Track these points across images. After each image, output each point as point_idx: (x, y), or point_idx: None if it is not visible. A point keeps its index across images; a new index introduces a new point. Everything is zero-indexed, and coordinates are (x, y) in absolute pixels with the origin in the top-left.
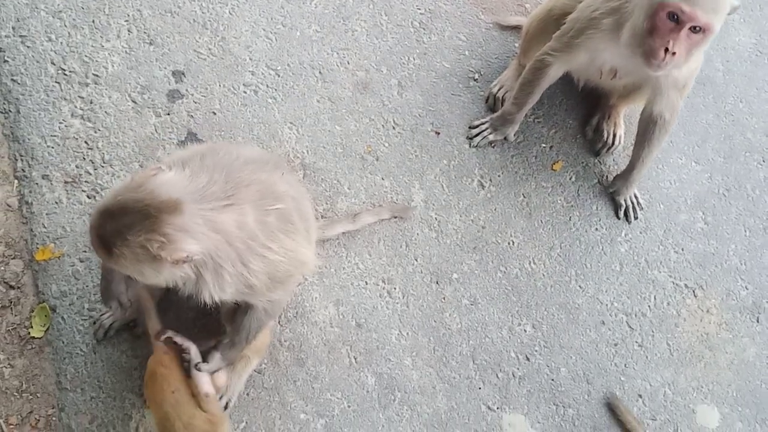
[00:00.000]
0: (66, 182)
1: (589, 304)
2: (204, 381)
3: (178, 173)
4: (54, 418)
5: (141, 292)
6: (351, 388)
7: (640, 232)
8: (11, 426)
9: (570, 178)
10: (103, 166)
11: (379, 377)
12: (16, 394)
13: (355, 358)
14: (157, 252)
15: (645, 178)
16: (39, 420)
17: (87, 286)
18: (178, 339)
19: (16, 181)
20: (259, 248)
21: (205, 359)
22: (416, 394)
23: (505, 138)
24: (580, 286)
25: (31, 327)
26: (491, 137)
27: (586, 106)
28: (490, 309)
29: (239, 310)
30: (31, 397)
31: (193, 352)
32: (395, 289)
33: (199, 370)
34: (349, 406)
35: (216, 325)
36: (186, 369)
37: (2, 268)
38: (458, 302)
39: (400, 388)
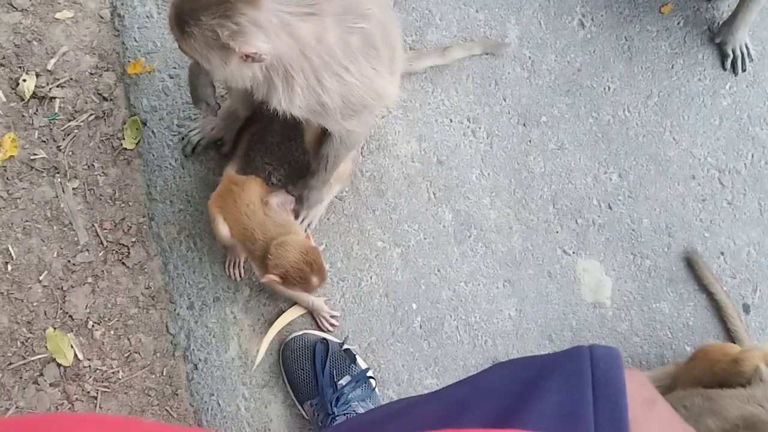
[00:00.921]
0: None
1: (681, 158)
2: (281, 193)
3: None
4: (144, 226)
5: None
6: (428, 222)
7: (746, 86)
8: (105, 230)
9: (678, 23)
10: None
11: (456, 213)
12: (109, 201)
13: (434, 194)
14: (227, 40)
15: (760, 28)
16: (131, 227)
17: (176, 103)
18: None
19: None
20: (336, 66)
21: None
22: (492, 233)
23: None
24: (674, 138)
25: (124, 139)
26: None
27: None
28: (577, 155)
29: (320, 142)
30: (123, 205)
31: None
32: (480, 128)
33: (287, 191)
34: (424, 238)
35: (300, 153)
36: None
37: (96, 79)
38: (544, 146)
39: (476, 226)
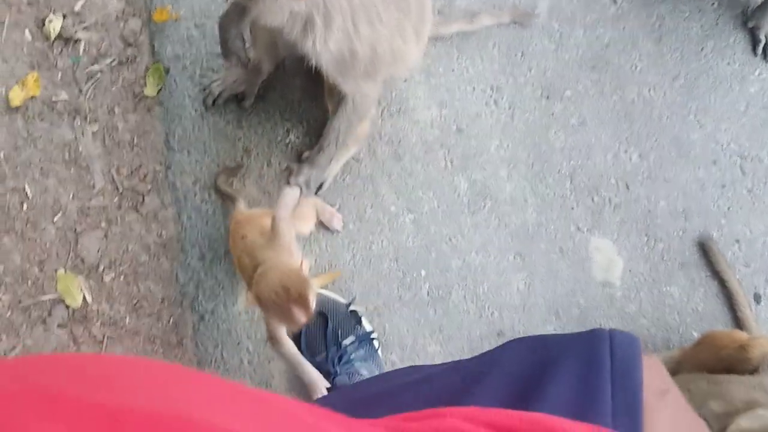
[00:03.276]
0: None
1: (703, 142)
2: (286, 199)
3: None
4: (160, 175)
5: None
6: (443, 190)
7: None
8: (121, 176)
9: (711, 4)
10: None
11: (472, 183)
12: (127, 147)
13: (451, 162)
14: None
15: None
16: (147, 175)
17: (200, 53)
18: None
19: None
20: (372, 13)
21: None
22: (507, 205)
23: None
24: (698, 122)
25: (145, 86)
26: None
27: None
28: (599, 132)
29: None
30: (141, 152)
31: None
32: (502, 98)
33: (288, 183)
34: (438, 206)
35: (320, 113)
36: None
37: (122, 24)
38: (566, 121)
39: (491, 197)
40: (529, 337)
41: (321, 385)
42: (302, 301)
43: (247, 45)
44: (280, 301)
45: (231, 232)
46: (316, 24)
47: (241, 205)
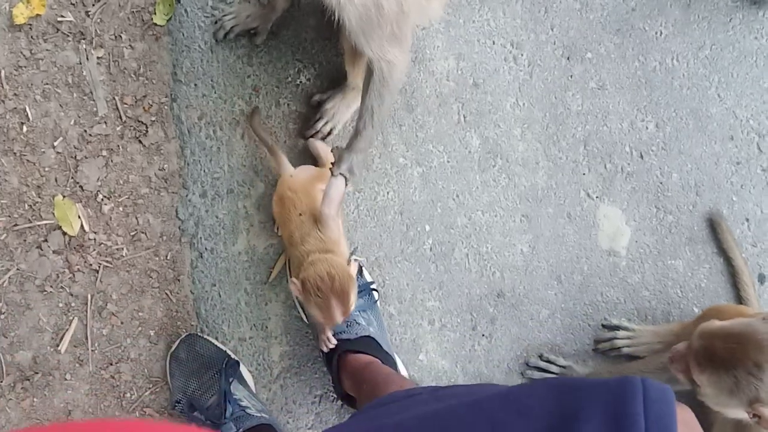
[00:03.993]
0: None
1: (722, 116)
2: (332, 193)
3: None
4: (165, 107)
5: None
6: (454, 145)
7: None
8: (125, 105)
9: None
10: None
11: (484, 140)
12: (133, 76)
13: (465, 117)
14: None
15: None
16: (151, 106)
17: None
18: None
19: None
20: None
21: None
22: (517, 166)
23: None
24: (718, 95)
25: (155, 14)
26: None
27: None
28: (617, 98)
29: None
30: (146, 81)
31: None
32: (522, 55)
33: (333, 174)
34: (448, 161)
35: (333, 54)
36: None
37: None
38: (585, 83)
39: (502, 156)
40: (556, 381)
41: (329, 330)
42: (344, 295)
43: None
44: (324, 288)
45: (280, 196)
46: None
47: (287, 164)
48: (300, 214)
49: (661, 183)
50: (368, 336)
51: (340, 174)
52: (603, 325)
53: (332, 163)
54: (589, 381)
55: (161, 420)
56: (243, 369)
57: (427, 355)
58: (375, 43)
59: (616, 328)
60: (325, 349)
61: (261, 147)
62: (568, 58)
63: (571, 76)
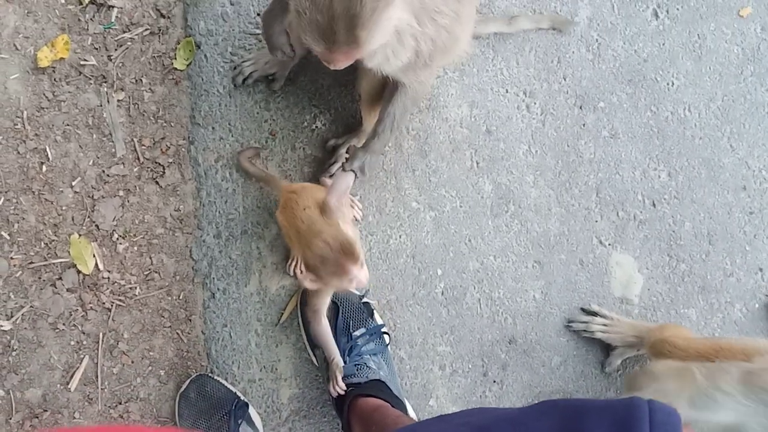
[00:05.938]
0: None
1: (734, 166)
2: (339, 184)
3: None
4: (183, 149)
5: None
6: (466, 190)
7: None
8: (143, 147)
9: (755, 29)
10: None
11: (496, 186)
12: (152, 118)
13: (477, 163)
14: None
15: None
16: (169, 148)
17: (233, 30)
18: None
19: None
20: (433, 9)
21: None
22: (530, 212)
23: None
24: (731, 146)
25: (175, 58)
26: None
27: None
28: (629, 147)
29: (379, 97)
30: (165, 124)
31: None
32: (535, 104)
33: (344, 169)
34: (460, 206)
35: (348, 100)
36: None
37: None
38: (597, 132)
39: (515, 202)
40: (564, 403)
41: (340, 365)
42: (351, 251)
43: (292, 39)
44: (330, 251)
45: (284, 201)
46: (388, 46)
47: (284, 182)
48: (305, 209)
49: (673, 231)
50: (378, 380)
51: (351, 170)
52: (582, 309)
53: (345, 159)
54: (595, 404)
55: (168, 427)
56: (252, 411)
57: (437, 401)
58: (410, 74)
59: (594, 314)
60: (335, 395)
61: (258, 182)
62: (580, 107)
63: (584, 125)
